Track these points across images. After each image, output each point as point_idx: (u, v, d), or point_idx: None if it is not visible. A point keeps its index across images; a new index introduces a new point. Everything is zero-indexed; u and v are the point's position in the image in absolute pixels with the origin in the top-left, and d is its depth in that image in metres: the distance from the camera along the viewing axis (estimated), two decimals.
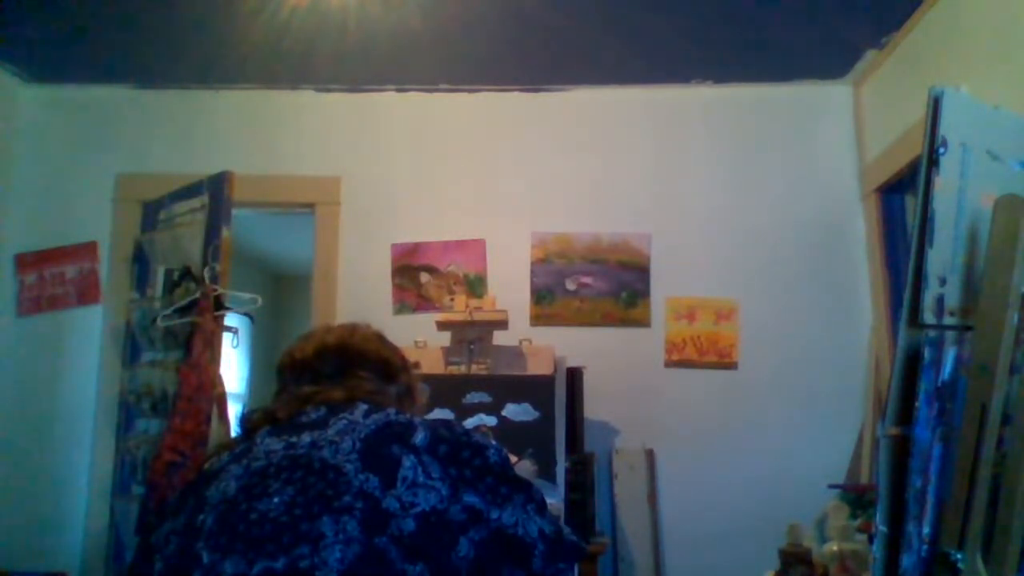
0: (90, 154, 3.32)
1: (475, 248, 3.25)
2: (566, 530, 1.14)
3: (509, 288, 3.16)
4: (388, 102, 3.37)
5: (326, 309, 3.17)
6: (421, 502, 1.01)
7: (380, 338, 1.36)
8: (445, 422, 1.15)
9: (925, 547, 1.47)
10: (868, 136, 3.16)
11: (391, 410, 1.16)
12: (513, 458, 1.64)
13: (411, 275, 3.25)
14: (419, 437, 1.08)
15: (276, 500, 1.01)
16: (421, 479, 1.03)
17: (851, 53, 3.04)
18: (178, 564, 1.01)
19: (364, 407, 1.15)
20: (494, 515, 1.06)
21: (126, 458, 2.92)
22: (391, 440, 1.07)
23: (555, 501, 2.52)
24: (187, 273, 2.76)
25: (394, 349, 1.37)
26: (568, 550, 1.12)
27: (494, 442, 1.15)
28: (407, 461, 1.04)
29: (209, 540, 0.99)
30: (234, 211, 2.76)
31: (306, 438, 1.09)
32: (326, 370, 1.26)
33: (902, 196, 3.04)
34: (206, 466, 1.14)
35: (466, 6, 2.74)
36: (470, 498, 1.05)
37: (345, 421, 1.11)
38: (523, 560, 1.06)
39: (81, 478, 3.08)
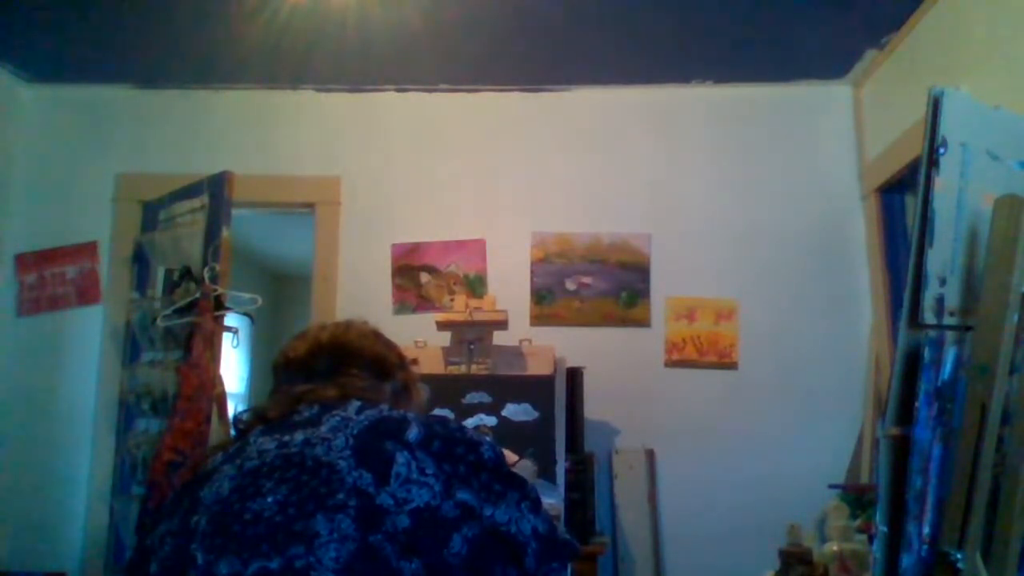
0: (90, 154, 3.32)
1: (475, 248, 3.25)
2: (560, 529, 1.13)
3: (509, 288, 3.16)
4: (388, 102, 3.37)
5: (326, 309, 3.17)
6: (415, 498, 1.01)
7: (376, 335, 1.35)
8: (439, 418, 1.14)
9: (925, 547, 1.47)
10: (868, 136, 3.16)
11: (384, 406, 1.16)
12: (514, 457, 1.63)
13: (411, 275, 3.25)
14: (412, 433, 1.07)
15: (270, 499, 1.00)
16: (415, 475, 1.02)
17: (851, 53, 3.04)
18: (173, 565, 1.00)
19: (357, 404, 1.14)
20: (487, 512, 1.05)
21: (126, 458, 2.92)
22: (384, 436, 1.06)
23: (555, 501, 2.52)
24: (187, 273, 2.76)
25: (390, 346, 1.36)
26: (561, 549, 1.11)
27: (488, 438, 1.14)
28: (400, 457, 1.04)
29: (204, 541, 0.99)
30: (234, 211, 2.76)
31: (299, 436, 1.08)
32: (319, 368, 1.26)
33: (902, 196, 3.04)
34: (200, 467, 1.14)
35: (466, 6, 2.74)
36: (463, 495, 1.04)
37: (338, 418, 1.10)
38: (516, 558, 1.06)
39: (81, 478, 3.08)
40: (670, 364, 3.15)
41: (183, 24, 2.84)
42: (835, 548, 2.15)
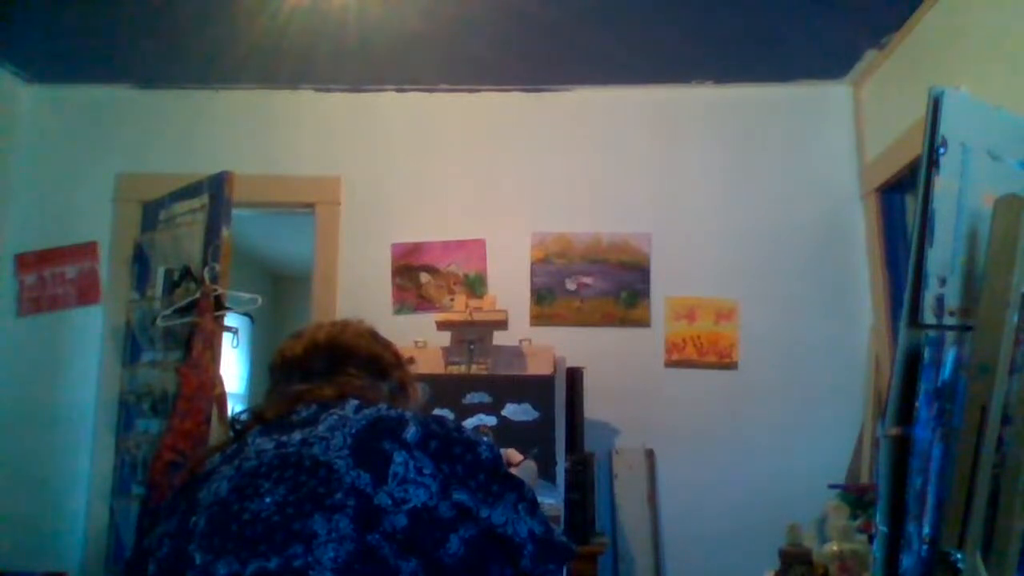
0: (90, 154, 3.32)
1: (475, 248, 3.25)
2: (556, 531, 1.14)
3: (509, 288, 3.16)
4: (388, 102, 3.37)
5: (326, 309, 3.17)
6: (412, 498, 1.01)
7: (372, 334, 1.35)
8: (437, 417, 1.14)
9: (925, 547, 1.47)
10: (868, 136, 3.16)
11: (382, 405, 1.15)
12: (519, 456, 1.63)
13: (411, 275, 3.25)
14: (410, 432, 1.07)
15: (268, 500, 1.00)
16: (412, 475, 1.03)
17: (851, 53, 3.04)
18: (171, 566, 1.00)
19: (354, 403, 1.14)
20: (484, 513, 1.05)
21: (126, 458, 2.92)
22: (382, 435, 1.06)
23: (554, 501, 2.52)
24: (187, 273, 2.76)
25: (387, 345, 1.36)
26: (558, 551, 1.12)
27: (486, 438, 1.14)
28: (398, 457, 1.04)
29: (202, 541, 0.99)
30: (234, 211, 2.76)
31: (296, 436, 1.08)
32: (316, 368, 1.26)
33: (902, 196, 3.04)
34: (198, 469, 1.14)
35: (466, 6, 2.74)
36: (460, 496, 1.04)
37: (336, 417, 1.10)
38: (513, 559, 1.06)
39: (81, 478, 3.08)
40: (670, 364, 3.15)
41: (183, 24, 2.84)
42: (835, 548, 2.15)
